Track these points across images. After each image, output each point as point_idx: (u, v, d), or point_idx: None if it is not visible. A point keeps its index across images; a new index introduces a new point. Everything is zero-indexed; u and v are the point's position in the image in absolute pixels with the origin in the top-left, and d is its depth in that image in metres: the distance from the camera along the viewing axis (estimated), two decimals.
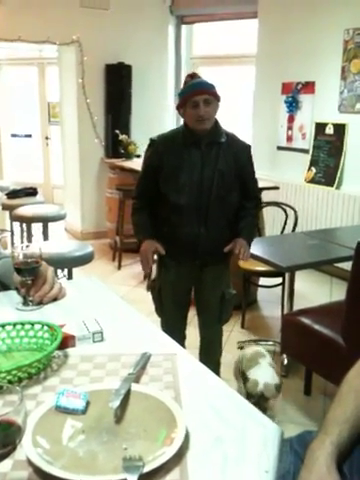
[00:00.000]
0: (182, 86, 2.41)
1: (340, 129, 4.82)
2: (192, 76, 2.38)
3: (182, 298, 2.61)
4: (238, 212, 2.49)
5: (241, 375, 2.56)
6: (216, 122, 2.37)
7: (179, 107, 2.38)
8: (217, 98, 2.33)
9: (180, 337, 2.63)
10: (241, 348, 3.46)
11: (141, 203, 2.53)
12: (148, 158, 2.48)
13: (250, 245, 2.51)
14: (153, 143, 2.45)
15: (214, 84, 2.34)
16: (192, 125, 2.33)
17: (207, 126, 2.31)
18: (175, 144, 2.39)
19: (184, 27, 6.40)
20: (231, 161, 2.38)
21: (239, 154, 2.43)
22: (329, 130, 4.95)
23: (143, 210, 2.52)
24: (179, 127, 2.49)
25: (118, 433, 0.94)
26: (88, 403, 1.01)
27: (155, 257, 2.57)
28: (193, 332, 2.78)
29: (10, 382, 1.07)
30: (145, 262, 2.46)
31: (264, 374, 2.42)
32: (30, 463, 0.85)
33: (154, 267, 2.64)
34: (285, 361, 3.14)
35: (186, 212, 2.38)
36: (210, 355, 2.72)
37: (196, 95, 2.26)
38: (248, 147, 2.49)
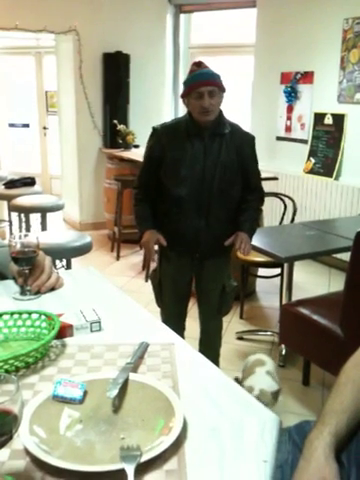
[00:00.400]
0: (188, 74, 2.36)
1: (339, 119, 4.80)
2: (198, 64, 2.32)
3: (182, 290, 2.61)
4: (240, 205, 2.47)
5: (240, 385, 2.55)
6: (220, 112, 2.35)
7: (183, 96, 2.34)
8: (222, 89, 2.29)
9: (179, 328, 2.64)
10: (240, 338, 3.48)
11: (143, 193, 2.51)
12: (150, 148, 2.44)
13: (251, 238, 2.48)
14: (155, 132, 2.42)
15: (219, 74, 2.30)
16: (196, 115, 2.30)
17: (211, 118, 2.29)
18: (178, 134, 2.36)
19: (182, 16, 6.35)
20: (234, 153, 2.36)
21: (243, 146, 2.40)
22: (328, 120, 4.93)
23: (145, 201, 2.50)
24: (182, 116, 2.44)
25: (116, 423, 0.94)
26: (86, 393, 1.00)
27: (156, 248, 2.56)
28: (192, 323, 2.79)
29: (7, 371, 1.07)
30: (148, 252, 2.46)
31: (260, 382, 2.38)
32: (27, 452, 0.85)
33: (155, 258, 2.64)
34: (283, 351, 3.14)
35: (187, 204, 2.37)
36: (210, 346, 2.72)
37: (201, 86, 2.22)
38: (252, 138, 2.46)
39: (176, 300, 2.62)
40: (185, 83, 2.33)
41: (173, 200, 2.38)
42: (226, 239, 2.44)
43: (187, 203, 2.36)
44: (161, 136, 2.39)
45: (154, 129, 2.43)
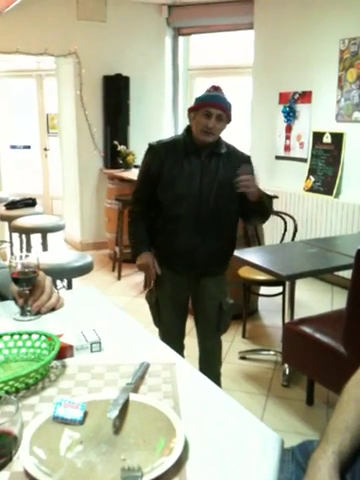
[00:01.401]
0: (204, 91, 2.38)
1: (338, 138, 4.84)
2: (216, 88, 2.36)
3: (180, 308, 2.60)
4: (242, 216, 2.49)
5: None
6: None
7: (191, 110, 2.36)
8: (229, 119, 2.34)
9: (179, 347, 2.62)
10: (242, 358, 3.45)
11: (138, 210, 2.51)
12: (148, 163, 2.44)
13: (261, 197, 2.35)
14: (152, 148, 2.43)
15: (232, 104, 2.34)
16: (197, 133, 2.32)
17: (210, 140, 2.32)
18: (175, 151, 2.38)
19: (181, 38, 6.44)
20: (230, 173, 2.37)
21: (241, 165, 2.41)
22: (327, 139, 4.96)
23: (140, 219, 2.51)
24: (179, 135, 2.47)
25: (116, 443, 0.93)
26: (86, 413, 0.99)
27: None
28: (191, 342, 2.76)
29: (7, 392, 1.06)
30: (151, 274, 2.47)
31: None
32: (27, 474, 0.84)
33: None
34: (287, 371, 3.12)
35: (183, 222, 2.37)
36: (210, 366, 2.69)
37: (212, 107, 2.26)
38: (249, 157, 2.49)
39: (174, 319, 2.61)
40: (197, 99, 2.36)
41: (169, 217, 2.39)
42: (222, 257, 2.49)
43: (183, 220, 2.37)
44: (159, 152, 2.40)
45: (151, 145, 2.45)
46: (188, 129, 2.41)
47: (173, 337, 2.58)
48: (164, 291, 2.55)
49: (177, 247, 2.41)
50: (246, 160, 2.46)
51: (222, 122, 2.30)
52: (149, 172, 2.43)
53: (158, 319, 2.61)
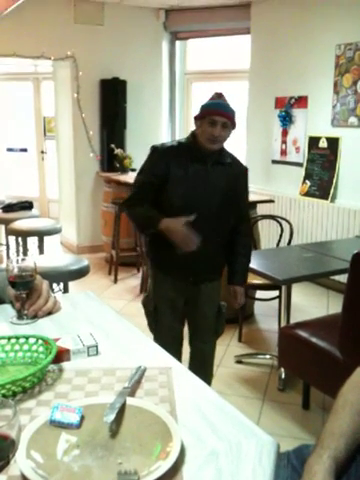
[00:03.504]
0: (208, 99, 2.39)
1: (333, 143, 4.86)
2: (219, 95, 2.37)
3: (178, 313, 2.58)
4: (231, 236, 2.51)
5: None
6: None
7: (197, 118, 2.36)
8: (234, 126, 2.34)
9: (178, 352, 2.59)
10: (238, 362, 3.45)
11: (136, 202, 2.40)
12: (153, 166, 2.38)
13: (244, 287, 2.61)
14: (157, 150, 2.39)
15: (236, 111, 2.35)
16: (203, 141, 2.31)
17: (216, 147, 2.33)
18: (180, 156, 2.35)
19: (178, 43, 6.46)
20: (232, 182, 2.41)
21: (239, 176, 2.47)
22: (323, 144, 4.98)
23: (143, 203, 2.37)
24: (182, 139, 2.44)
25: (113, 447, 0.93)
26: (83, 417, 1.00)
27: (150, 273, 2.54)
28: (183, 346, 2.74)
29: (4, 396, 1.06)
30: (186, 237, 2.25)
31: None
32: (24, 478, 0.84)
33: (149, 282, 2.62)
34: (283, 375, 3.12)
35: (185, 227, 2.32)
36: (206, 369, 2.70)
37: (218, 115, 2.26)
38: (246, 170, 2.53)
39: (174, 324, 2.60)
40: (203, 107, 2.36)
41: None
42: (222, 262, 2.53)
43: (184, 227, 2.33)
44: (164, 155, 2.36)
45: (155, 147, 2.41)
46: (193, 135, 2.39)
47: (171, 343, 2.56)
48: (163, 296, 2.53)
49: (176, 253, 2.35)
50: (245, 172, 2.52)
51: (227, 129, 2.31)
52: (154, 174, 2.36)
53: (155, 326, 2.58)
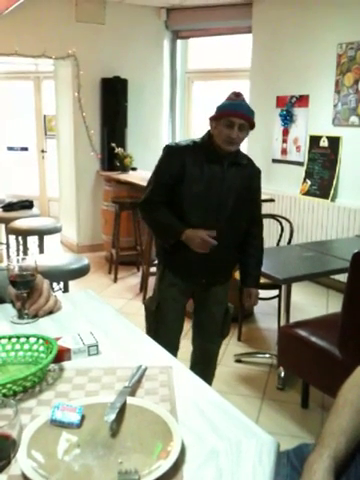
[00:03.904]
0: (225, 99, 2.32)
1: (334, 142, 4.86)
2: (237, 95, 2.30)
3: (182, 314, 2.58)
4: (244, 237, 2.48)
5: None
6: None
7: (212, 119, 2.30)
8: (252, 126, 2.29)
9: (174, 348, 2.56)
10: (238, 361, 3.46)
11: (156, 201, 2.36)
12: (168, 165, 2.33)
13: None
14: (172, 149, 2.35)
15: (254, 111, 2.30)
16: (219, 142, 2.27)
17: (233, 149, 2.29)
18: (195, 155, 2.30)
19: (179, 42, 6.46)
20: (248, 184, 2.38)
21: (254, 178, 2.45)
22: (323, 143, 4.98)
23: (160, 206, 2.34)
24: (197, 139, 2.38)
25: (113, 447, 0.93)
26: (83, 417, 1.00)
27: (157, 275, 2.52)
28: (186, 345, 2.74)
29: (5, 396, 1.07)
30: (204, 243, 2.26)
31: None
32: (25, 478, 0.85)
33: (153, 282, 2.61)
34: (282, 374, 3.12)
35: (200, 228, 2.29)
36: (209, 369, 2.69)
37: (234, 116, 2.21)
38: (260, 172, 2.51)
39: (176, 323, 2.58)
40: (219, 107, 2.30)
41: (186, 223, 2.31)
42: (232, 265, 2.56)
43: (198, 228, 2.29)
44: (179, 153, 2.31)
45: (170, 146, 2.37)
46: (209, 135, 2.33)
47: (171, 339, 2.55)
48: (168, 297, 2.50)
49: (189, 254, 2.32)
50: (259, 173, 2.50)
51: (245, 130, 2.26)
52: (169, 174, 2.31)
53: (154, 328, 2.52)
